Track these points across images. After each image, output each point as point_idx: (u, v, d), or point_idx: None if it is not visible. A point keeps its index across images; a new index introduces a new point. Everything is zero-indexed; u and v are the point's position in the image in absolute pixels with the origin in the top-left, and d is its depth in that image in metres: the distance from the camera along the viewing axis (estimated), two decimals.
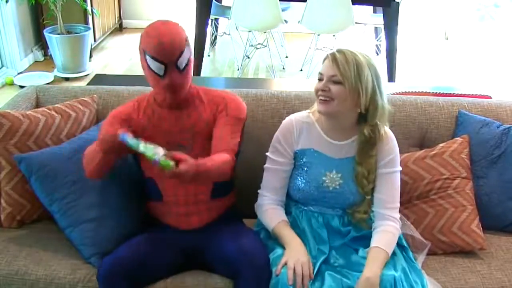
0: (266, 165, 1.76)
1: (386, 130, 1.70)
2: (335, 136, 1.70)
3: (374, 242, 1.63)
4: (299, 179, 1.72)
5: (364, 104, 1.59)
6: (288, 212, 1.77)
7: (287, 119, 1.76)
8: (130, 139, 1.48)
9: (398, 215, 1.69)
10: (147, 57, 1.58)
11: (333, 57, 1.59)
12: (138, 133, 1.64)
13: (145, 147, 1.45)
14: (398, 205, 1.71)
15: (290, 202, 1.79)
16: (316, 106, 1.68)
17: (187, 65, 1.61)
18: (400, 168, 1.72)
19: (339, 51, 1.60)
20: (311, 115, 1.74)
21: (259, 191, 1.78)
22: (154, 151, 1.43)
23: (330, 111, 1.62)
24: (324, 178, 1.69)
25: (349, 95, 1.57)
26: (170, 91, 1.61)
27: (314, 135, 1.71)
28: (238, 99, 1.76)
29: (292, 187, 1.74)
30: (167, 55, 1.55)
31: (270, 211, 1.73)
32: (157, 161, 1.42)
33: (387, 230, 1.65)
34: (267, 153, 1.76)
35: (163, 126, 1.70)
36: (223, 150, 1.62)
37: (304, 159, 1.72)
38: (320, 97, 1.61)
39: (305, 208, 1.75)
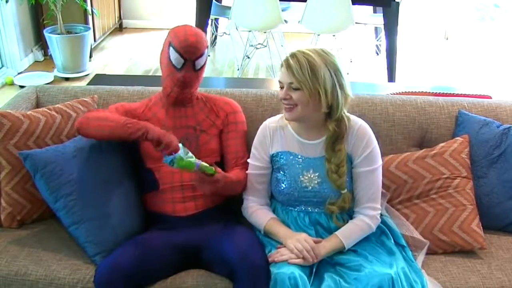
0: (247, 171, 1.79)
1: (360, 123, 1.71)
2: (308, 136, 1.72)
3: (338, 231, 1.67)
4: (279, 181, 1.74)
5: (326, 104, 1.60)
6: (276, 215, 1.78)
7: (262, 124, 1.80)
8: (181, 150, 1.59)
9: (375, 212, 1.69)
10: (171, 48, 1.75)
11: (287, 64, 1.60)
12: None
13: (186, 154, 1.60)
14: (377, 203, 1.71)
15: (276, 204, 1.80)
16: None
17: (202, 67, 1.79)
18: (380, 163, 1.71)
19: (292, 55, 1.61)
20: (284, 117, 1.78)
21: (243, 195, 1.81)
22: (194, 159, 1.59)
23: (295, 117, 1.65)
24: (302, 178, 1.70)
25: (310, 98, 1.59)
26: (180, 85, 1.78)
27: (288, 137, 1.74)
28: (241, 109, 1.94)
29: (274, 190, 1.77)
30: (189, 52, 1.73)
31: (258, 211, 1.77)
32: (197, 165, 1.57)
33: (355, 223, 1.69)
34: (248, 159, 1.80)
35: (167, 121, 1.83)
36: (240, 166, 1.83)
37: (281, 162, 1.73)
38: (285, 106, 1.64)
39: (291, 208, 1.76)
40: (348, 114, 1.71)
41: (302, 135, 1.72)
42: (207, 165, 1.61)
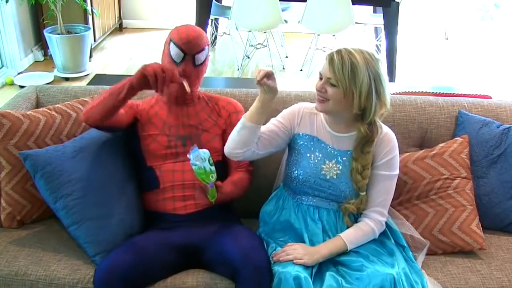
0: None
1: (387, 131, 1.72)
2: (337, 129, 1.72)
3: (342, 233, 1.68)
4: (299, 163, 1.73)
5: (358, 106, 1.60)
6: (284, 207, 1.78)
7: (297, 105, 1.78)
8: (201, 152, 1.62)
9: (382, 218, 1.71)
10: (171, 44, 1.78)
11: (330, 59, 1.60)
12: (143, 121, 1.85)
13: (210, 167, 1.63)
14: (385, 210, 1.72)
15: (287, 195, 1.80)
16: None
17: (202, 64, 1.81)
18: (397, 172, 1.73)
19: (337, 52, 1.60)
20: None
21: None
22: (213, 175, 1.63)
23: (325, 110, 1.66)
24: (323, 166, 1.70)
25: (344, 97, 1.59)
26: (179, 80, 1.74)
27: (319, 124, 1.74)
28: (243, 109, 1.92)
29: (290, 172, 1.75)
30: (189, 46, 1.76)
31: None
32: (209, 187, 1.64)
33: (360, 227, 1.69)
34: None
35: (169, 120, 1.84)
36: (244, 168, 1.87)
37: (305, 145, 1.73)
38: (318, 96, 1.64)
39: (301, 201, 1.75)
40: (387, 129, 1.72)
41: (331, 126, 1.72)
42: (215, 193, 1.65)
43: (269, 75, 1.56)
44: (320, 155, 1.71)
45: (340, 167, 1.70)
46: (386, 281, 1.50)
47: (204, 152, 1.62)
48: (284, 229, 1.76)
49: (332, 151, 1.71)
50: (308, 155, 1.72)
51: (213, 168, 1.64)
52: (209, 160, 1.62)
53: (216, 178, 1.66)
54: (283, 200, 1.80)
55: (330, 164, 1.70)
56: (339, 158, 1.70)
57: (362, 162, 1.67)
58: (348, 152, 1.70)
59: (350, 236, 1.67)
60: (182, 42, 1.76)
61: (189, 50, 1.76)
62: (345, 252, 1.67)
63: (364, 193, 1.69)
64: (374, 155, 1.69)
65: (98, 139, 1.84)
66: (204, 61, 1.82)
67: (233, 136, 1.67)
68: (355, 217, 1.74)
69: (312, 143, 1.72)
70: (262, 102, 1.62)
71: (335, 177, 1.70)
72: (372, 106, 1.60)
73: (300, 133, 1.74)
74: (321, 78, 1.64)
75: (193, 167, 1.61)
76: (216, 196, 1.68)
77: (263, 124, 1.71)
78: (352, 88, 1.57)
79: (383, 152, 1.69)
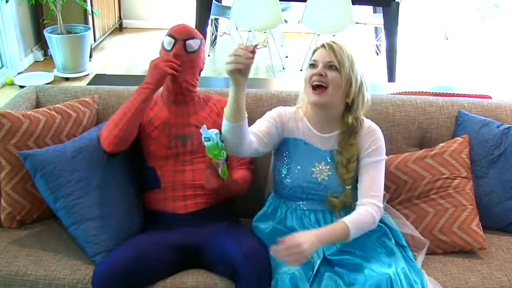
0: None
1: (371, 124, 1.74)
2: (322, 129, 1.72)
3: (343, 218, 1.60)
4: (288, 169, 1.72)
5: (353, 94, 1.64)
6: (277, 212, 1.78)
7: (279, 108, 1.76)
8: (210, 131, 1.57)
9: (379, 204, 1.65)
10: (165, 37, 1.83)
11: (330, 46, 1.63)
12: (143, 123, 1.84)
13: (221, 143, 1.58)
14: (380, 193, 1.68)
15: (280, 203, 1.79)
16: (301, 102, 1.75)
17: (194, 52, 1.81)
18: (384, 157, 1.72)
19: (333, 42, 1.66)
20: (300, 110, 1.77)
21: None
22: (224, 152, 1.59)
23: (324, 101, 1.64)
24: (313, 169, 1.70)
25: (343, 83, 1.61)
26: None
27: (303, 127, 1.74)
28: None
29: (280, 180, 1.74)
30: (179, 32, 1.82)
31: None
32: (221, 163, 1.60)
33: (359, 212, 1.64)
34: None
35: (169, 119, 1.85)
36: (245, 166, 1.88)
37: (293, 149, 1.73)
38: (315, 83, 1.62)
39: (295, 206, 1.74)
40: (371, 122, 1.75)
41: (316, 127, 1.72)
42: (226, 170, 1.64)
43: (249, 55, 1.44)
44: (309, 158, 1.71)
45: (330, 168, 1.70)
46: (382, 281, 1.50)
47: (213, 131, 1.58)
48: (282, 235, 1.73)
49: (320, 152, 1.71)
50: (297, 159, 1.72)
51: (223, 145, 1.59)
52: (219, 138, 1.60)
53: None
54: (278, 208, 1.79)
55: (320, 166, 1.70)
56: (327, 158, 1.70)
57: (346, 155, 1.68)
58: (334, 151, 1.71)
59: (350, 219, 1.60)
60: (172, 29, 1.83)
61: (179, 35, 1.80)
62: (343, 252, 1.66)
63: (350, 187, 1.68)
64: (360, 147, 1.70)
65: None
66: (197, 51, 1.83)
67: (225, 138, 1.59)
68: (347, 213, 1.68)
69: (300, 146, 1.72)
70: (235, 94, 1.49)
71: (326, 178, 1.69)
72: (360, 99, 1.66)
73: (288, 137, 1.74)
74: (315, 66, 1.64)
75: (206, 143, 1.57)
76: (227, 175, 1.64)
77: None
78: (351, 74, 1.62)
79: (369, 141, 1.70)
